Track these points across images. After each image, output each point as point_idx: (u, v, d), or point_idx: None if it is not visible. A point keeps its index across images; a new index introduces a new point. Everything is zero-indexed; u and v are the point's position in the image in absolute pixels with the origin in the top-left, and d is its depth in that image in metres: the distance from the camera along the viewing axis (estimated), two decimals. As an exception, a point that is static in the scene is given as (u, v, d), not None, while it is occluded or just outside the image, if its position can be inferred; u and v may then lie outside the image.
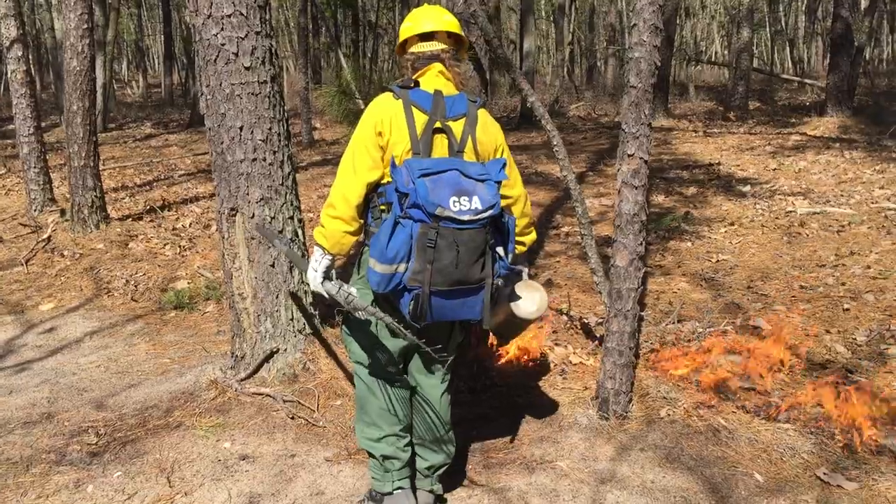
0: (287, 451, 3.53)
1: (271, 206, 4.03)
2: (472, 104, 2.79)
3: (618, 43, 25.74)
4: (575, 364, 4.08)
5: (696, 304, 5.00)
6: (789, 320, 4.52)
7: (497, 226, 2.62)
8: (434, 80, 2.81)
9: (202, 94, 4.03)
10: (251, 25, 3.87)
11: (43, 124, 8.80)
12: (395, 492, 2.93)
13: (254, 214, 4.00)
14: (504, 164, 2.65)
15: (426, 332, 2.66)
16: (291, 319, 4.16)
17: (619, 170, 3.42)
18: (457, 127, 2.73)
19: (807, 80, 18.43)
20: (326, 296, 2.77)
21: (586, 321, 4.63)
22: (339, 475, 3.32)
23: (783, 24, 31.11)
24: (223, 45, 3.85)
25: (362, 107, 4.00)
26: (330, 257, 2.78)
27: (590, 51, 31.48)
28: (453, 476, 3.24)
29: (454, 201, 2.45)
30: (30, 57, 9.09)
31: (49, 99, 24.79)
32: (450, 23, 2.88)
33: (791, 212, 7.11)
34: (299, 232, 4.20)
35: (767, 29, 29.81)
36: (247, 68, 3.89)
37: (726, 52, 31.37)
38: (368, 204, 2.75)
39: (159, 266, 6.53)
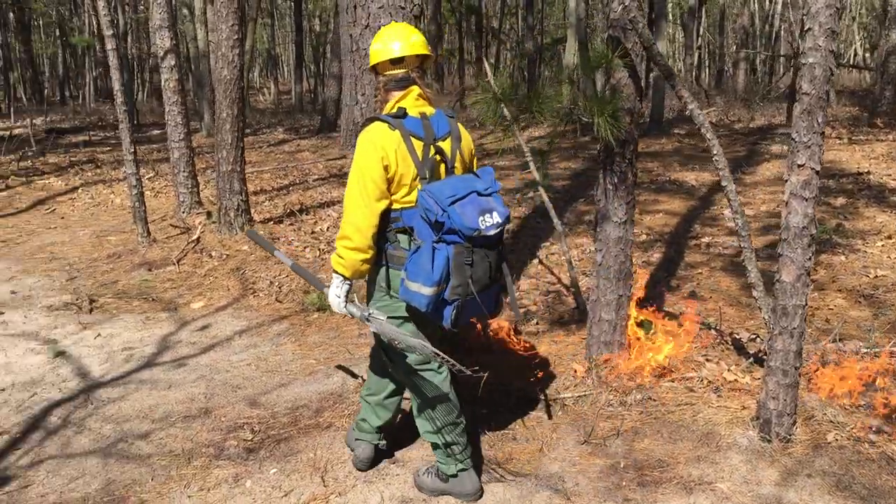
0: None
1: (421, 213, 4.07)
2: (451, 120, 3.05)
3: (750, 46, 24.86)
4: (730, 381, 3.93)
5: (856, 322, 4.73)
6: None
7: None
8: (416, 104, 3.02)
9: (356, 102, 4.12)
10: (407, 35, 3.92)
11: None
12: (459, 473, 3.19)
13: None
14: (491, 173, 2.93)
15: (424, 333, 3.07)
16: (438, 326, 4.18)
17: (787, 180, 3.27)
18: (446, 145, 2.99)
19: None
20: (350, 317, 3.08)
21: (737, 336, 4.45)
22: (488, 484, 3.31)
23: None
24: (379, 54, 3.92)
25: (507, 115, 3.99)
26: (349, 283, 3.04)
27: (719, 55, 30.50)
28: (611, 492, 3.17)
29: (482, 220, 2.76)
30: (182, 66, 9.58)
31: (189, 106, 26.08)
32: (416, 45, 3.03)
33: (955, 225, 6.63)
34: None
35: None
36: (401, 77, 3.94)
37: (867, 55, 29.74)
38: (380, 230, 2.96)
39: (301, 268, 6.72)
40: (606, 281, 4.06)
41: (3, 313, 5.97)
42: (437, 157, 2.94)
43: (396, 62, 3.01)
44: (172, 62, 8.37)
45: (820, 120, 3.19)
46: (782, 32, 32.09)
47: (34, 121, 17.92)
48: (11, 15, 30.08)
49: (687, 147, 12.72)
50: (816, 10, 3.11)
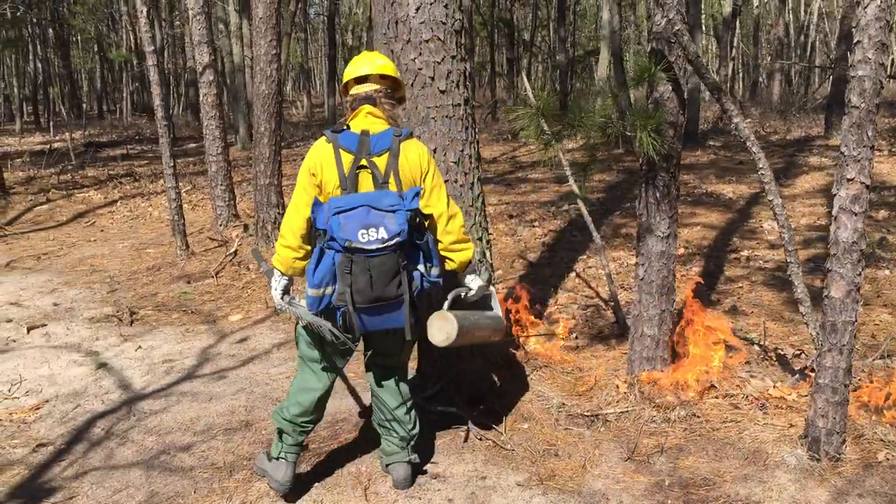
0: (477, 472, 3.53)
1: (462, 227, 4.07)
2: (396, 138, 3.15)
3: (785, 57, 24.60)
4: (775, 398, 3.86)
5: (903, 338, 4.63)
6: None
7: (415, 247, 3.06)
8: (363, 120, 3.20)
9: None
10: (448, 50, 3.93)
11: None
12: (279, 458, 3.41)
13: (445, 235, 4.05)
14: (417, 193, 3.04)
15: (377, 342, 3.38)
16: (478, 340, 4.17)
17: (836, 195, 3.21)
18: (381, 161, 3.12)
19: None
20: (283, 308, 3.29)
21: (782, 352, 4.38)
22: (531, 501, 3.28)
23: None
24: (420, 69, 3.93)
25: (546, 129, 3.98)
26: (287, 278, 3.28)
27: (753, 65, 30.22)
28: (654, 511, 3.13)
29: (362, 234, 2.91)
30: (219, 81, 9.69)
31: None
32: (382, 66, 3.28)
33: None
34: (487, 253, 4.21)
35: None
36: (442, 92, 3.95)
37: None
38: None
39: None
40: (649, 296, 4.02)
41: (46, 325, 6.06)
42: (365, 171, 3.12)
43: (361, 80, 3.26)
44: (211, 77, 8.49)
45: (870, 133, 3.14)
46: (817, 43, 31.77)
47: (73, 135, 18.24)
48: (51, 31, 30.73)
49: (723, 159, 12.61)
50: (866, 23, 3.07)
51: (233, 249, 7.67)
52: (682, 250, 7.05)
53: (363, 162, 3.11)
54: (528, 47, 29.70)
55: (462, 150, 4.04)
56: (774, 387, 3.94)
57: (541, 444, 3.71)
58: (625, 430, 3.78)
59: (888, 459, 3.30)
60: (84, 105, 35.52)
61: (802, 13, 30.45)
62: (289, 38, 20.90)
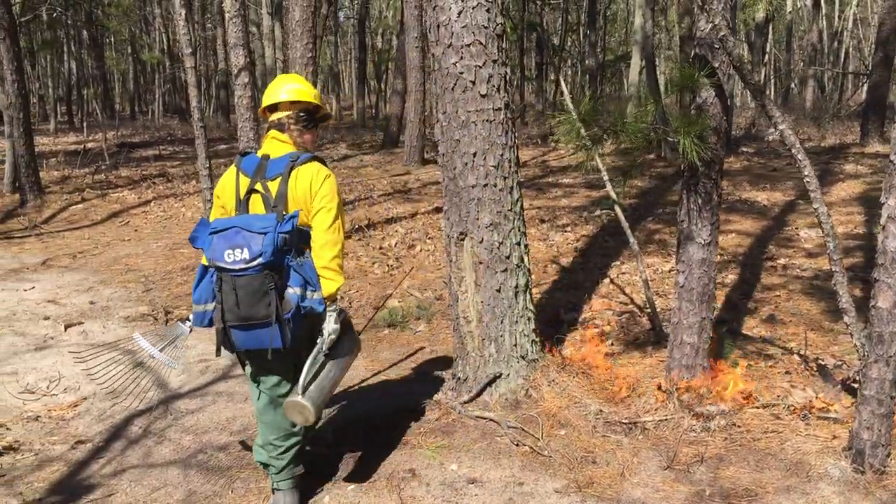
0: (514, 478, 3.51)
1: (500, 232, 4.06)
2: (290, 163, 3.24)
3: (819, 63, 24.32)
4: (818, 409, 3.80)
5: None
6: None
7: (290, 269, 3.15)
8: (268, 145, 3.38)
9: (437, 121, 4.13)
10: (489, 54, 3.93)
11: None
12: (274, 491, 3.41)
13: (483, 239, 4.05)
14: (292, 217, 3.14)
15: (258, 363, 3.34)
16: (515, 345, 4.16)
17: (884, 203, 3.16)
18: (273, 186, 3.23)
19: None
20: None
21: (822, 363, 4.32)
22: (569, 508, 3.26)
23: None
24: (461, 73, 3.93)
25: (582, 134, 3.96)
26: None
27: (786, 71, 29.91)
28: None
29: (228, 254, 3.02)
30: (255, 83, 9.75)
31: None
32: (290, 92, 3.40)
33: None
34: (525, 258, 4.20)
35: None
36: (483, 96, 3.95)
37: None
38: None
39: (370, 284, 6.77)
40: (689, 303, 3.98)
41: (83, 323, 6.13)
42: (256, 195, 3.26)
43: (272, 108, 3.43)
44: (246, 79, 8.54)
45: (921, 141, 3.08)
46: (850, 49, 31.37)
47: (106, 135, 18.48)
48: (85, 33, 31.17)
49: (756, 166, 12.48)
50: (919, 29, 3.02)
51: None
52: (717, 257, 6.98)
53: (257, 185, 3.25)
54: (558, 52, 29.60)
55: (502, 155, 4.03)
56: (817, 397, 3.88)
57: (578, 450, 3.69)
58: (664, 439, 3.74)
59: (935, 474, 3.24)
60: (117, 106, 35.98)
61: (836, 19, 30.08)
62: (320, 42, 21.01)
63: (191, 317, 3.32)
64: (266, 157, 3.31)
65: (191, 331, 3.41)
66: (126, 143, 19.49)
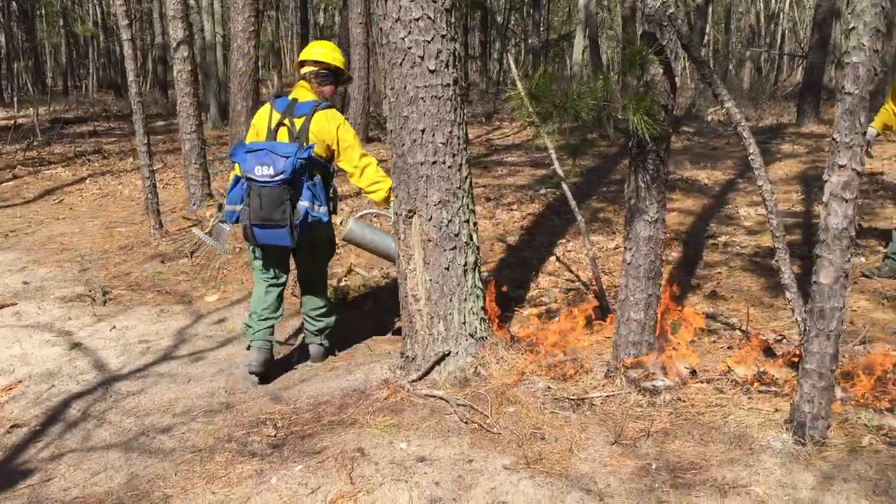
0: (464, 455, 3.50)
1: (448, 209, 4.03)
2: (314, 107, 4.33)
3: (756, 45, 24.78)
4: (761, 383, 3.88)
5: (881, 325, 4.69)
6: None
7: (305, 186, 4.18)
8: (297, 91, 4.47)
9: (385, 97, 4.07)
10: (438, 29, 3.87)
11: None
12: (250, 346, 4.45)
13: (431, 217, 4.01)
14: (309, 148, 4.16)
15: (272, 255, 4.44)
16: (464, 323, 4.15)
17: (827, 181, 3.22)
18: (298, 122, 4.31)
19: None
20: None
21: (764, 338, 4.41)
22: (519, 484, 3.26)
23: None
24: (409, 48, 3.87)
25: (531, 110, 3.94)
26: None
27: (724, 53, 30.41)
28: (644, 494, 3.13)
29: (258, 169, 4.04)
30: (194, 57, 9.48)
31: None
32: (315, 54, 4.48)
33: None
34: (473, 236, 4.18)
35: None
36: (431, 71, 3.89)
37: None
38: None
39: (315, 262, 6.68)
40: (636, 280, 4.01)
41: (16, 304, 5.92)
42: (283, 128, 4.31)
43: (302, 64, 4.52)
44: (185, 53, 8.30)
45: (863, 120, 3.13)
46: (786, 32, 32.03)
47: (38, 110, 17.82)
48: (15, 4, 29.95)
49: (697, 145, 12.67)
50: (861, 9, 3.06)
51: (207, 229, 7.54)
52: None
53: (285, 121, 4.32)
54: (502, 31, 29.57)
55: (451, 132, 3.99)
56: (759, 372, 3.96)
57: (527, 427, 3.70)
58: (611, 415, 3.78)
59: (872, 444, 3.33)
60: (49, 80, 34.72)
61: (773, 1, 30.66)
62: (261, 16, 20.59)
63: (224, 216, 4.40)
64: (294, 100, 4.40)
65: (228, 227, 4.51)
66: (59, 119, 18.82)
